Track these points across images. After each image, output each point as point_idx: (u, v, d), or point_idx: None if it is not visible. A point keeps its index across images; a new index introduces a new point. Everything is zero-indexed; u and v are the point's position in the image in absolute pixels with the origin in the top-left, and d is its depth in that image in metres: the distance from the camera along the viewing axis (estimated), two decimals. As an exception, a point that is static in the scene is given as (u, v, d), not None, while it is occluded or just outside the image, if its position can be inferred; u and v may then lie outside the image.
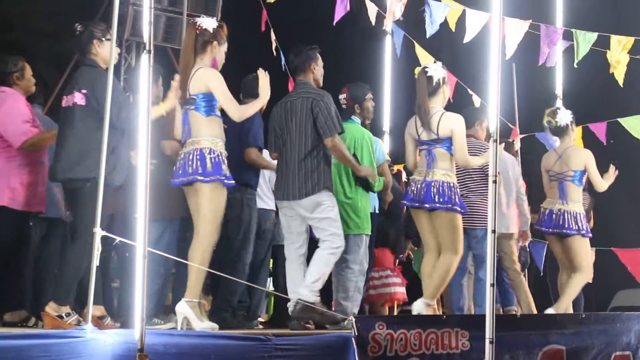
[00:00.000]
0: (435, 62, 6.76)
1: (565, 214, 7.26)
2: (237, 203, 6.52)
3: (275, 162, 6.46)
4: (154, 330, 5.12)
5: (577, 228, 7.25)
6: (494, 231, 5.30)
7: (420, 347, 5.55)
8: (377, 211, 7.25)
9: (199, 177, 5.55)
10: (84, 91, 5.61)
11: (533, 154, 8.01)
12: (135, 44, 10.20)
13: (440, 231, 6.47)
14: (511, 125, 8.74)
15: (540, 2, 8.61)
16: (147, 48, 4.95)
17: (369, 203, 6.81)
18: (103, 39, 5.75)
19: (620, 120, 8.13)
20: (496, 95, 5.44)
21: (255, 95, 6.13)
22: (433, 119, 6.43)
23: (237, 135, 6.48)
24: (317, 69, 6.37)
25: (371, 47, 9.04)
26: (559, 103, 8.36)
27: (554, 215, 7.29)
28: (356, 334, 5.34)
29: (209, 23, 5.78)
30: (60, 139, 5.72)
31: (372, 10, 8.00)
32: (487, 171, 7.11)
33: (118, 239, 5.02)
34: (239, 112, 5.74)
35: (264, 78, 5.91)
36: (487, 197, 7.19)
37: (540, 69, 8.06)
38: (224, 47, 5.87)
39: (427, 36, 7.57)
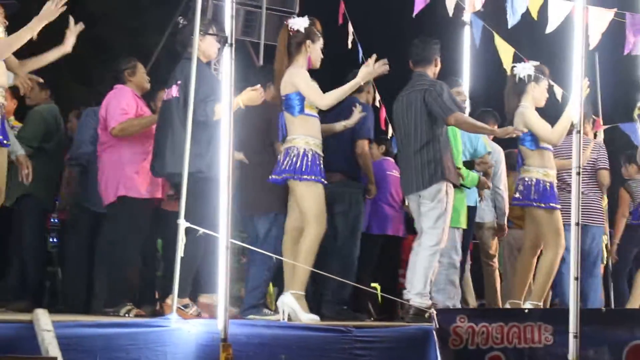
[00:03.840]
0: (526, 61, 6.72)
1: None
2: (343, 198, 6.54)
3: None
4: (237, 320, 5.17)
5: None
6: (577, 224, 5.23)
7: (502, 341, 5.49)
8: (477, 204, 7.23)
9: (289, 175, 5.63)
10: (179, 82, 5.70)
11: (617, 145, 7.84)
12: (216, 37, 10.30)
13: (538, 229, 6.49)
14: (594, 117, 8.58)
15: (625, -12, 8.41)
16: (230, 42, 5.00)
17: (462, 197, 6.79)
18: (205, 33, 5.80)
19: None
20: (580, 86, 5.35)
21: None
22: (516, 117, 6.46)
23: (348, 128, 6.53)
24: (439, 63, 6.41)
25: (450, 38, 8.96)
26: (643, 93, 8.16)
27: None
28: (437, 326, 5.33)
29: (300, 23, 5.79)
30: (158, 132, 5.83)
31: (450, 0, 7.92)
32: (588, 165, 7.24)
33: (201, 230, 5.09)
34: (325, 100, 5.71)
35: (371, 66, 5.74)
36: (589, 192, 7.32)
37: (624, 58, 7.87)
38: (319, 44, 5.87)
39: (509, 27, 7.46)
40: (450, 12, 7.94)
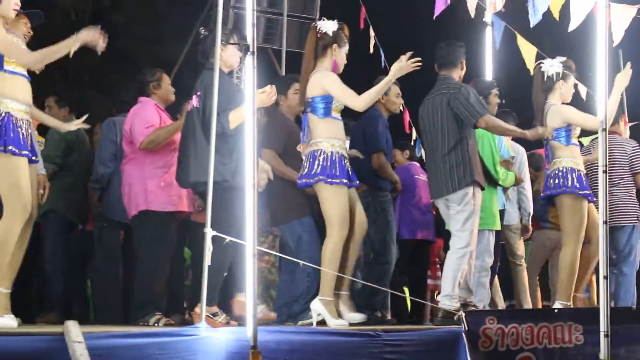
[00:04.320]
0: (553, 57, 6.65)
1: None
2: (368, 207, 6.54)
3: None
4: (266, 327, 5.18)
5: None
6: (605, 222, 5.19)
7: (532, 341, 5.47)
8: (504, 207, 7.24)
9: (313, 180, 5.63)
10: (199, 93, 5.73)
11: (640, 141, 7.79)
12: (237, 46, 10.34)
13: (561, 220, 6.41)
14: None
15: (648, -16, 8.33)
16: (251, 50, 5.02)
17: (495, 199, 6.78)
18: (227, 43, 5.82)
19: None
20: (604, 84, 5.33)
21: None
22: (544, 114, 6.42)
23: (362, 140, 6.56)
24: (464, 66, 6.43)
25: (471, 39, 8.93)
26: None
27: None
28: (466, 328, 5.31)
29: (329, 26, 5.79)
30: (182, 143, 5.86)
31: (471, 2, 7.90)
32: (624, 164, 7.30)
33: (228, 238, 5.10)
34: (362, 102, 5.69)
35: (402, 63, 5.65)
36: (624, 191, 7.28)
37: (648, 54, 7.82)
38: (345, 49, 5.88)
39: (531, 26, 7.42)
40: (472, 13, 7.92)
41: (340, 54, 5.83)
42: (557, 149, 6.45)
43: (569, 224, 6.37)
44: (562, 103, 6.52)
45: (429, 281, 8.05)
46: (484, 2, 7.76)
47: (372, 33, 8.57)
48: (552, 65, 6.49)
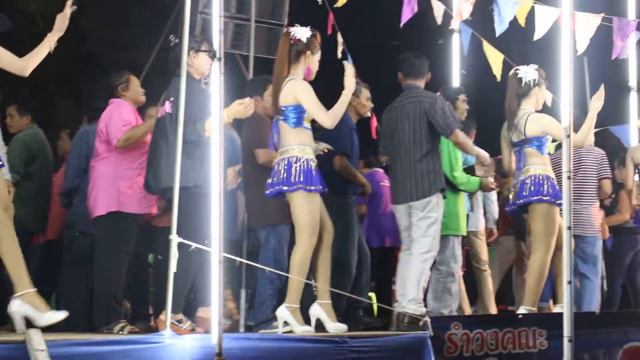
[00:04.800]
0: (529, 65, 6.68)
1: None
2: (335, 208, 6.54)
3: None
4: (231, 334, 5.17)
5: None
6: (569, 228, 5.24)
7: (497, 346, 5.51)
8: (470, 212, 7.29)
9: (285, 187, 5.62)
10: (172, 99, 5.72)
11: (607, 149, 7.86)
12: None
13: (533, 226, 6.43)
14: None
15: (611, -6, 8.44)
16: (218, 56, 5.02)
17: (460, 204, 6.83)
18: (197, 50, 5.82)
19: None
20: (569, 91, 5.38)
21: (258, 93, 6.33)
22: (521, 121, 6.43)
23: (326, 142, 6.56)
24: (429, 76, 6.56)
25: (439, 46, 8.98)
26: (633, 95, 8.19)
27: None
28: (432, 334, 5.34)
29: (302, 33, 5.78)
30: (152, 148, 5.85)
31: (438, 9, 7.94)
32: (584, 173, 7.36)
33: (194, 245, 5.09)
34: (330, 119, 5.69)
35: (349, 70, 5.79)
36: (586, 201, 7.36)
37: (613, 61, 7.90)
38: (318, 56, 5.88)
39: (497, 35, 7.48)
40: (439, 20, 7.97)
41: (313, 61, 5.84)
42: (532, 156, 6.46)
43: (541, 231, 6.38)
44: (536, 110, 6.57)
45: (395, 287, 8.08)
46: (451, 10, 7.80)
47: (340, 39, 8.59)
48: (529, 72, 6.54)
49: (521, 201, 6.42)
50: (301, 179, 5.59)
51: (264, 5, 10.39)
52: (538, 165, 6.42)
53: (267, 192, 5.76)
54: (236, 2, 10.34)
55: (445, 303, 6.68)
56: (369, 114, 7.41)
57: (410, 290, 6.10)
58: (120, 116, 6.17)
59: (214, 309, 4.76)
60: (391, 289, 7.90)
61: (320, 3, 8.41)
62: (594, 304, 7.43)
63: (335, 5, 7.49)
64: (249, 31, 10.01)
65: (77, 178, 6.66)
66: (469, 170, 6.99)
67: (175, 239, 5.05)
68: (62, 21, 5.04)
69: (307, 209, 5.62)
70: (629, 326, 6.03)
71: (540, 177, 6.36)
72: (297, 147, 5.65)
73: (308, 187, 5.59)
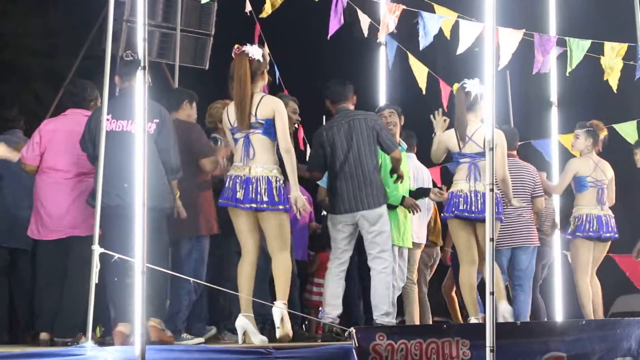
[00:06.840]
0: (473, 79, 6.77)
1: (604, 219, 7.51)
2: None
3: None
4: (155, 346, 5.09)
5: (615, 231, 7.59)
6: (492, 239, 5.30)
7: (421, 357, 5.54)
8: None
9: (271, 207, 5.70)
10: (157, 121, 5.67)
11: (529, 162, 8.00)
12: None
13: (454, 241, 6.73)
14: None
15: (533, 10, 8.62)
16: (142, 64, 4.96)
17: (401, 215, 6.89)
18: (122, 58, 5.79)
19: (615, 126, 8.18)
20: (492, 104, 5.45)
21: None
22: (476, 133, 6.57)
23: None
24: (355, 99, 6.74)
25: (365, 59, 9.04)
26: (554, 110, 8.36)
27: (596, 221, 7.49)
28: (357, 345, 5.34)
29: (257, 52, 5.88)
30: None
31: (365, 22, 8.01)
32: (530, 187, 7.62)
33: (117, 255, 5.02)
34: (289, 145, 5.82)
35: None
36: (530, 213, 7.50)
37: (535, 76, 8.08)
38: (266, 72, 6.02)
39: (421, 48, 7.59)
40: (365, 32, 8.04)
41: (265, 78, 5.97)
42: (458, 170, 6.69)
43: (457, 246, 6.70)
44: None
45: (314, 297, 8.10)
46: (377, 23, 7.87)
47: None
48: (475, 85, 6.64)
49: (444, 216, 6.76)
50: (282, 200, 5.73)
51: (191, 15, 10.38)
52: (459, 181, 6.63)
53: (246, 206, 5.71)
54: (162, 11, 10.30)
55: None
56: (295, 126, 7.42)
57: (382, 305, 6.31)
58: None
59: (137, 321, 4.69)
60: (303, 298, 7.90)
61: (248, 14, 8.42)
62: (525, 315, 7.56)
63: (260, 16, 7.49)
64: (175, 40, 9.97)
65: None
66: (421, 190, 7.13)
67: (97, 249, 4.98)
68: None
69: (286, 226, 5.81)
70: (549, 336, 6.14)
71: (459, 193, 6.60)
72: (275, 168, 5.77)
73: (286, 207, 5.76)
